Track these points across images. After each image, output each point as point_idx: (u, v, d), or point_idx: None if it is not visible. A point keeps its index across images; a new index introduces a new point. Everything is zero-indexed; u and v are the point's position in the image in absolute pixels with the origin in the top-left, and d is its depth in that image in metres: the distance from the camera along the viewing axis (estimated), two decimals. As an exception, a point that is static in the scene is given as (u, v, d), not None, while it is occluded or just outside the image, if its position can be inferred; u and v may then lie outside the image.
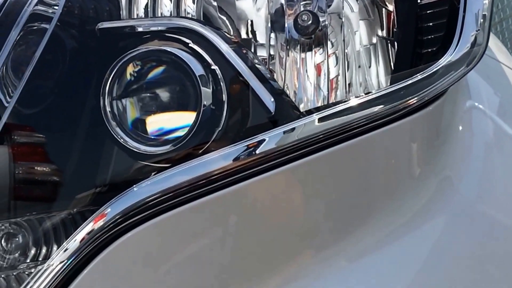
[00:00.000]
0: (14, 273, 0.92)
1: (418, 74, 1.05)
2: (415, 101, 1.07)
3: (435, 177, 1.20)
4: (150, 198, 0.93)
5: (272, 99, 1.00)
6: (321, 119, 1.01)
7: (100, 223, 0.90)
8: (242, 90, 1.00)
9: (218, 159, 0.97)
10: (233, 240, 1.01)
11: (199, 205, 0.97)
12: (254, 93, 1.00)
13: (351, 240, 1.06)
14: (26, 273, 0.92)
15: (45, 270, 0.90)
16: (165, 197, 0.94)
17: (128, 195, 0.93)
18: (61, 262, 0.89)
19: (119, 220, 0.91)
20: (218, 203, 0.98)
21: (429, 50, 1.10)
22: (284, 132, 0.99)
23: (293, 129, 0.99)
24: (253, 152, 0.97)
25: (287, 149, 0.99)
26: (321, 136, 1.00)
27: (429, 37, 1.09)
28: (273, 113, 1.00)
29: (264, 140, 0.98)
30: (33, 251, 0.92)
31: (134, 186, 0.93)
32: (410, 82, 1.07)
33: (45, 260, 0.91)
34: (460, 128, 1.29)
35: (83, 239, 0.89)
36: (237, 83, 1.00)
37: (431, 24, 1.10)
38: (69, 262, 0.89)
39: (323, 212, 1.06)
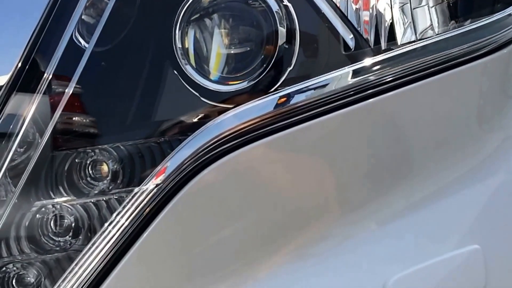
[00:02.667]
0: (105, 198, 0.93)
1: (495, 14, 1.05)
2: (490, 42, 1.07)
3: (500, 132, 1.17)
4: (230, 131, 0.95)
5: (351, 36, 1.00)
6: (387, 60, 1.01)
7: (189, 151, 0.92)
8: (320, 27, 1.00)
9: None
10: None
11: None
12: (333, 30, 1.00)
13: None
14: (116, 197, 0.93)
15: (140, 194, 0.91)
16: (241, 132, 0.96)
17: (205, 131, 0.95)
18: (156, 186, 0.90)
19: (204, 151, 0.93)
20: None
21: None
22: (354, 72, 0.99)
23: (373, 64, 1.00)
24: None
25: (353, 90, 0.99)
26: (385, 79, 1.01)
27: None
28: (352, 50, 1.00)
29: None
30: (122, 178, 0.93)
31: (218, 117, 0.94)
32: (486, 22, 1.07)
33: (135, 186, 0.92)
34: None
35: (178, 165, 0.91)
36: (314, 20, 0.99)
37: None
38: (163, 186, 0.91)
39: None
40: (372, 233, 1.03)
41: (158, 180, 0.91)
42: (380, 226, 1.03)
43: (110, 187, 0.93)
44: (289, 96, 0.98)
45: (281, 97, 0.98)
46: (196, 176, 0.93)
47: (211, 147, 0.93)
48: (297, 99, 0.98)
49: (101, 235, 0.91)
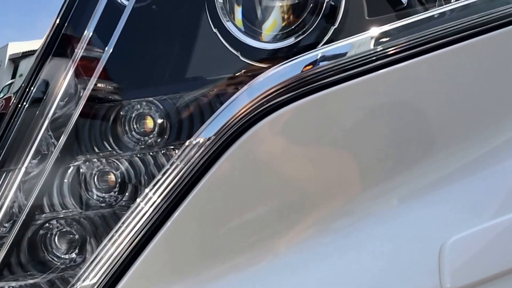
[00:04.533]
0: (152, 153, 0.88)
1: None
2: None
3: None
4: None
5: (404, -9, 0.97)
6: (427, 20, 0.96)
7: (240, 105, 0.88)
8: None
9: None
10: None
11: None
12: (385, -15, 0.97)
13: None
14: (163, 152, 0.88)
15: (191, 147, 0.86)
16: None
17: (256, 85, 0.90)
18: (207, 140, 0.86)
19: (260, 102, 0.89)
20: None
21: None
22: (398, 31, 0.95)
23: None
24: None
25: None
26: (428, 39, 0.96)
27: None
28: (405, 5, 0.97)
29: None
30: (169, 132, 0.89)
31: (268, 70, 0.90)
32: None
33: (183, 140, 0.88)
34: None
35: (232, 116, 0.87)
36: (364, -26, 0.97)
37: None
38: (215, 139, 0.86)
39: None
40: (421, 199, 0.98)
41: (210, 133, 0.86)
42: (429, 191, 0.99)
43: (158, 141, 0.89)
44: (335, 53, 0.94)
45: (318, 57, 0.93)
46: (245, 133, 0.89)
47: (261, 102, 0.89)
48: (342, 57, 0.94)
49: (150, 191, 0.87)
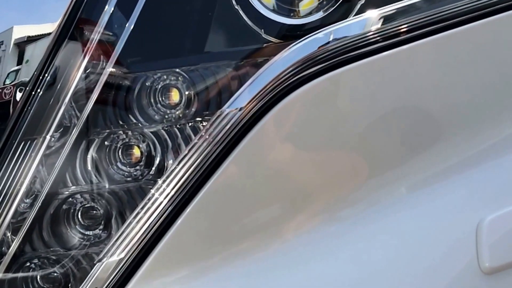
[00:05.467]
0: (178, 126, 0.85)
1: None
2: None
3: None
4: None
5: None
6: None
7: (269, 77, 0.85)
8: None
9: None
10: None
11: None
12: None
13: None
14: (190, 125, 0.85)
15: (223, 117, 0.83)
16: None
17: (283, 58, 0.87)
18: (239, 110, 0.83)
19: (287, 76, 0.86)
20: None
21: None
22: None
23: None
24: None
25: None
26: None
27: None
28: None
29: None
30: (197, 104, 0.86)
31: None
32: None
33: (211, 112, 0.85)
34: None
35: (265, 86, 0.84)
36: None
37: None
38: (246, 110, 0.83)
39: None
40: (453, 179, 0.96)
41: (242, 103, 0.83)
42: (456, 173, 0.97)
43: (185, 113, 0.86)
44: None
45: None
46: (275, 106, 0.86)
47: (292, 72, 0.86)
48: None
49: (176, 165, 0.83)
